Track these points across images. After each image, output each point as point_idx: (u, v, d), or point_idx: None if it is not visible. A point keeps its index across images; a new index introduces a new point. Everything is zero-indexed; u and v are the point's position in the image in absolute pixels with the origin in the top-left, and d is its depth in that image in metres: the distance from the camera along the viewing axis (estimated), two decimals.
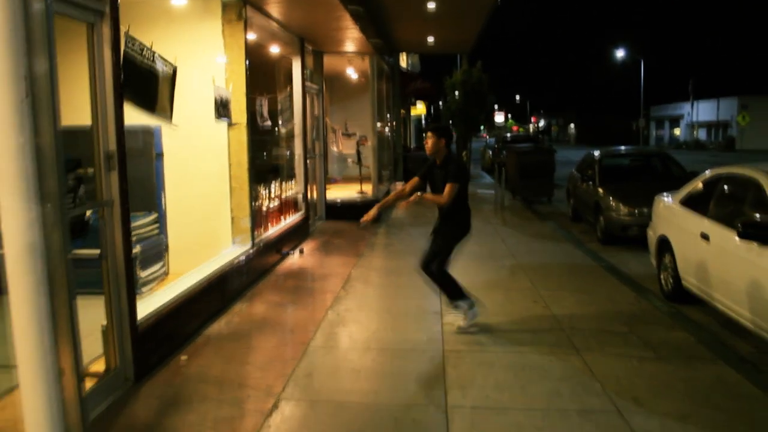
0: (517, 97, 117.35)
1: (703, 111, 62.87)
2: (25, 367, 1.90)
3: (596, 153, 12.85)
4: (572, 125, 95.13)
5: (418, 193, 5.87)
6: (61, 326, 1.99)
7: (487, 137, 54.45)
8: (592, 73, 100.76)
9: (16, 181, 1.82)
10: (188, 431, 3.90)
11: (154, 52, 5.26)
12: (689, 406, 4.26)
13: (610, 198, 10.82)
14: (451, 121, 24.03)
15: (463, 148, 24.69)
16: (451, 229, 5.88)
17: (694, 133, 64.73)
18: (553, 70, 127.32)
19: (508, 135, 28.39)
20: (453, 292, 5.85)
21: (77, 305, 2.85)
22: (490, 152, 28.51)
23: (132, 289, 4.50)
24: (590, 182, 12.04)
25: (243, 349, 5.39)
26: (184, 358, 5.12)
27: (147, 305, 5.08)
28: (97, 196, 4.26)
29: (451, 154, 5.93)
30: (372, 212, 5.96)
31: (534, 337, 5.63)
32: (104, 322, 4.44)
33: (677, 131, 70.67)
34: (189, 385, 4.60)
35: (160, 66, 5.38)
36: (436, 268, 5.80)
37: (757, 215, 5.56)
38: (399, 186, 6.18)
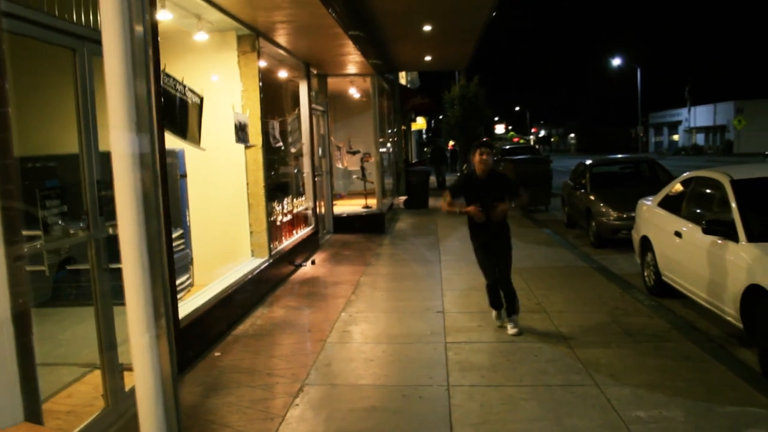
0: (517, 108, 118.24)
1: (701, 116, 63.61)
2: (134, 324, 2.58)
3: (588, 162, 13.57)
4: (572, 135, 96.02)
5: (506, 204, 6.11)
6: (157, 287, 2.63)
7: None
8: (590, 83, 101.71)
9: (131, 190, 2.53)
10: (229, 410, 4.58)
11: (185, 86, 6.00)
12: (657, 378, 4.94)
13: (601, 204, 11.52)
14: (446, 137, 24.79)
15: (463, 161, 25.43)
16: (509, 239, 6.36)
17: (692, 138, 65.43)
18: (553, 80, 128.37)
19: (507, 146, 29.05)
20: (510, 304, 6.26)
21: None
22: None
23: (174, 293, 5.19)
24: (582, 189, 12.74)
25: (268, 346, 6.09)
26: (217, 354, 5.82)
27: (182, 310, 5.76)
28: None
29: (497, 171, 6.39)
30: (458, 209, 6.24)
31: (526, 328, 6.30)
32: None
33: (676, 137, 71.38)
34: (224, 375, 5.30)
35: (190, 97, 6.12)
36: (509, 282, 6.26)
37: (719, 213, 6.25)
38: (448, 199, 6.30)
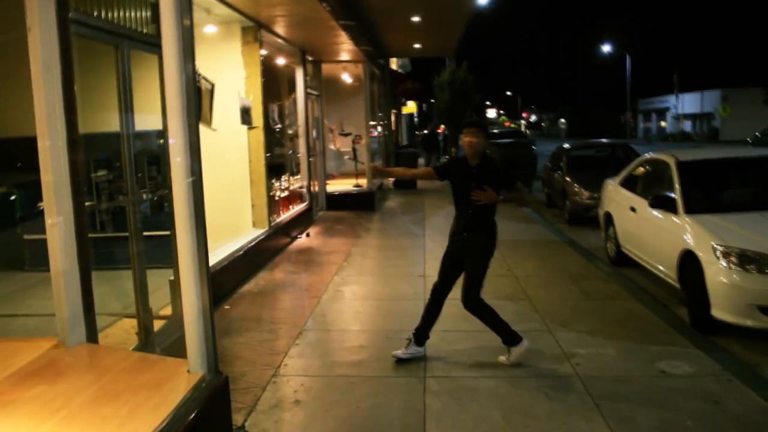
0: (508, 93, 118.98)
1: (688, 103, 64.59)
2: (184, 266, 3.46)
3: (565, 145, 14.49)
4: (563, 120, 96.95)
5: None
6: (201, 245, 3.51)
7: None
8: (581, 69, 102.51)
9: (184, 160, 3.40)
10: (241, 347, 5.49)
11: (199, 74, 6.84)
12: (600, 326, 5.87)
13: (575, 184, 12.45)
14: (436, 121, 25.62)
15: (452, 145, 26.30)
16: (486, 243, 5.12)
17: (680, 125, 66.45)
18: (544, 65, 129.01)
19: (495, 130, 29.88)
20: (505, 329, 5.08)
21: None
22: None
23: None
24: (559, 171, 13.67)
25: (271, 301, 7.00)
26: (227, 307, 6.72)
27: None
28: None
29: (488, 155, 5.21)
30: (380, 167, 6.06)
31: (496, 289, 7.19)
32: (171, 277, 6.01)
33: (664, 123, 72.39)
34: (234, 322, 6.20)
35: (204, 83, 6.96)
36: (476, 299, 5.06)
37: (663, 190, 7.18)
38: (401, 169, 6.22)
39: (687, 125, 65.97)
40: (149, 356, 4.21)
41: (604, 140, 18.11)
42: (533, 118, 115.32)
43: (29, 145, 5.92)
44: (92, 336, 4.22)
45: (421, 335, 5.17)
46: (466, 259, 5.07)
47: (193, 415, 3.20)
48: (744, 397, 4.36)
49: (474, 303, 5.05)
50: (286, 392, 4.57)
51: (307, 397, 4.49)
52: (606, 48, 65.68)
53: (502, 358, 5.06)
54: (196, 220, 3.56)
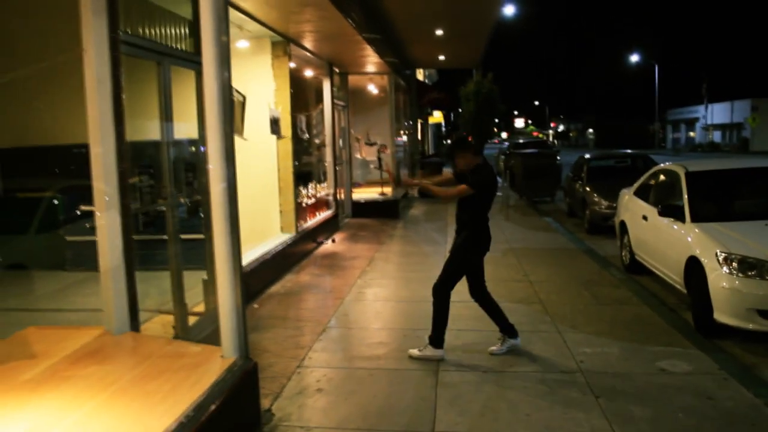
0: (537, 103, 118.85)
1: (718, 113, 64.03)
2: (221, 263, 3.89)
3: (586, 156, 14.75)
4: (590, 130, 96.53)
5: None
6: (236, 247, 3.93)
7: (500, 143, 55.91)
8: (609, 78, 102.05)
9: (221, 166, 3.83)
10: (268, 342, 5.91)
11: (232, 86, 7.29)
12: (608, 328, 6.18)
13: (594, 194, 12.71)
14: (463, 130, 25.93)
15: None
16: (463, 242, 5.48)
17: (709, 135, 65.88)
18: (572, 75, 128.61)
19: (520, 140, 30.16)
20: (440, 329, 5.41)
21: None
22: (503, 157, 30.41)
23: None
24: (580, 181, 13.94)
25: (297, 301, 7.42)
26: (256, 306, 7.15)
27: None
28: (206, 185, 6.28)
29: (481, 164, 5.56)
30: (417, 182, 6.45)
31: (510, 293, 7.54)
32: (205, 277, 6.45)
33: (693, 134, 71.81)
34: (263, 320, 6.63)
35: (236, 96, 7.42)
36: (439, 288, 5.44)
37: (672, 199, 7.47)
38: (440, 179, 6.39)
39: (716, 135, 65.38)
40: (187, 343, 4.65)
41: (624, 151, 18.31)
42: (561, 127, 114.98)
43: (69, 153, 6.44)
44: (135, 326, 4.67)
45: (507, 327, 5.62)
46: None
47: (227, 393, 3.61)
48: (736, 394, 4.65)
49: (436, 289, 5.45)
50: (309, 381, 4.98)
51: (328, 386, 4.89)
52: (634, 58, 65.67)
53: (413, 351, 5.47)
54: (231, 218, 3.99)
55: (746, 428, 4.13)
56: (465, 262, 5.51)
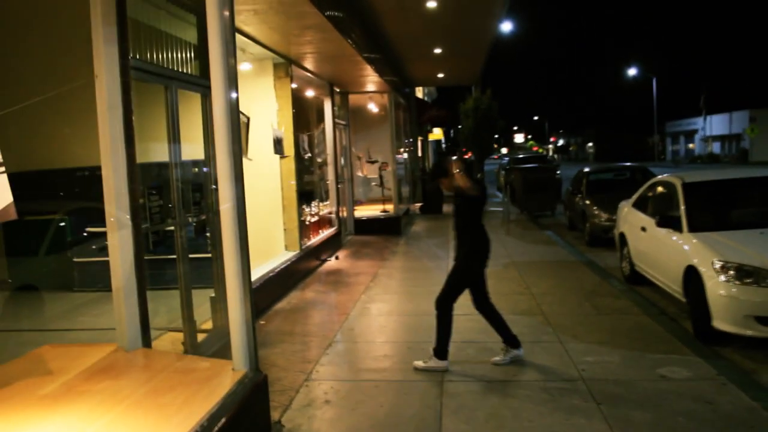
0: (536, 118, 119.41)
1: (717, 125, 64.30)
2: (231, 278, 4.03)
3: (585, 169, 14.92)
4: (590, 143, 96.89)
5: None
6: (245, 265, 4.07)
7: (500, 158, 56.19)
8: (608, 92, 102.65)
9: (231, 186, 3.98)
10: (276, 357, 6.03)
11: (239, 108, 7.48)
12: (608, 337, 6.29)
13: (594, 207, 12.86)
14: (464, 148, 26.16)
15: (478, 170, 26.79)
16: (462, 256, 5.69)
17: (709, 146, 66.12)
18: (571, 90, 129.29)
19: (520, 155, 30.37)
20: (444, 340, 5.58)
21: None
22: (503, 172, 30.58)
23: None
24: (580, 195, 14.09)
25: (303, 317, 7.54)
26: (262, 322, 7.27)
27: None
28: (212, 205, 6.44)
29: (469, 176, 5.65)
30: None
31: (513, 305, 7.66)
32: (212, 294, 6.58)
33: (692, 145, 72.06)
34: (270, 335, 6.75)
35: (240, 117, 7.59)
36: (440, 300, 5.63)
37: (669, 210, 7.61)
38: None
39: (716, 147, 65.61)
40: (198, 358, 4.78)
41: (622, 164, 18.49)
42: (561, 142, 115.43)
43: (73, 176, 6.59)
44: (147, 342, 4.79)
45: (510, 338, 5.76)
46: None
47: (239, 404, 3.73)
48: (735, 398, 4.75)
49: (439, 302, 5.63)
50: (317, 394, 5.09)
51: (336, 398, 5.00)
52: (632, 71, 66.04)
53: (418, 363, 5.62)
54: (241, 235, 4.14)
55: (745, 430, 4.24)
56: (467, 271, 5.66)
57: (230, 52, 4.15)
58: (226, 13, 4.10)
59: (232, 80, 4.15)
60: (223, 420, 3.52)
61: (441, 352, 5.56)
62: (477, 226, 5.73)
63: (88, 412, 3.54)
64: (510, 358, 5.70)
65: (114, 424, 3.39)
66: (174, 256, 5.70)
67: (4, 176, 3.35)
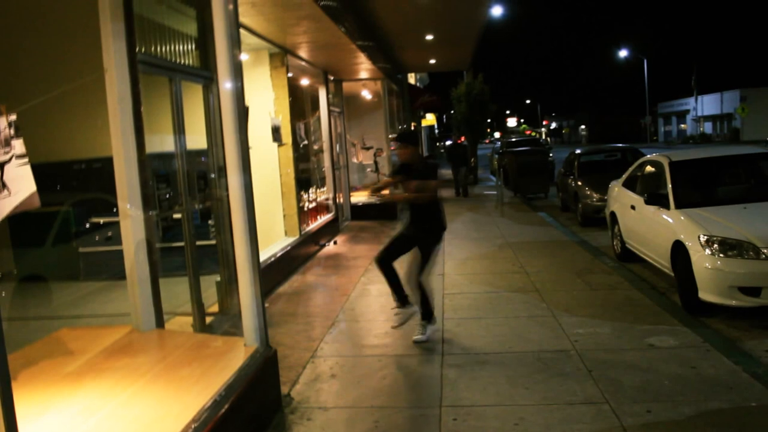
0: (528, 101, 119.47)
1: (708, 105, 64.63)
2: (241, 261, 4.28)
3: (577, 151, 15.17)
4: (583, 126, 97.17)
5: (387, 192, 6.49)
6: (254, 248, 4.32)
7: (492, 142, 56.39)
8: (600, 74, 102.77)
9: (238, 168, 4.22)
10: (282, 336, 6.28)
11: (244, 97, 7.68)
12: (600, 311, 6.57)
13: (586, 188, 13.12)
14: (456, 131, 26.34)
15: (471, 154, 27.01)
16: (432, 230, 6.28)
17: (700, 127, 66.47)
18: (563, 73, 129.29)
19: (512, 138, 30.61)
20: (427, 311, 6.08)
21: None
22: (496, 156, 30.83)
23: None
24: (572, 176, 14.34)
25: (305, 299, 7.80)
26: (266, 305, 7.49)
27: None
28: (216, 193, 6.65)
29: (423, 158, 6.14)
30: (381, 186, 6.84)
31: (508, 283, 7.93)
32: (218, 279, 6.82)
33: (684, 126, 72.40)
34: (274, 317, 7.00)
35: None
36: (418, 279, 6.09)
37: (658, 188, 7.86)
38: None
39: (707, 127, 65.98)
40: (211, 336, 5.02)
41: (614, 145, 18.74)
42: (553, 125, 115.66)
43: (80, 167, 6.79)
44: (160, 323, 5.03)
45: (403, 298, 6.23)
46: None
47: (252, 375, 3.99)
48: (718, 363, 5.03)
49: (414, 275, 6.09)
50: (323, 369, 5.35)
51: (341, 372, 5.27)
52: (623, 53, 66.32)
53: (418, 337, 6.00)
54: (249, 219, 4.37)
55: (725, 391, 4.51)
56: (433, 245, 6.16)
57: (235, 41, 4.36)
58: (231, 7, 4.31)
59: (237, 71, 4.37)
60: (239, 390, 3.78)
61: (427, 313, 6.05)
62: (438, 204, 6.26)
63: (112, 386, 3.78)
64: (405, 320, 6.10)
65: (137, 395, 3.64)
66: (179, 244, 5.93)
67: (28, 167, 3.56)
